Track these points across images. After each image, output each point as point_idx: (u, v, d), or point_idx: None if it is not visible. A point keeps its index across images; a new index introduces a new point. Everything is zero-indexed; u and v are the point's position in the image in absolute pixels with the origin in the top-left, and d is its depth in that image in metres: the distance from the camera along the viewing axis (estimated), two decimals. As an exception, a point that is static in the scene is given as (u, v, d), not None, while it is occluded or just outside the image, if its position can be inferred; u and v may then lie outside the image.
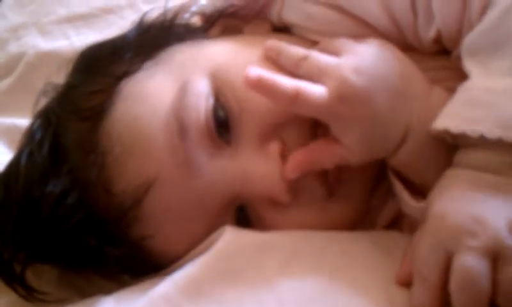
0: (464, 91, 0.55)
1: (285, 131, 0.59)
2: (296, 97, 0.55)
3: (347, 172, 0.60)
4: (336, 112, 0.56)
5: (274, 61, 0.60)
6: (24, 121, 0.78)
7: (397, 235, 0.62)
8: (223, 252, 0.56)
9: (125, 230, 0.59)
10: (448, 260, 0.49)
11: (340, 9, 0.64)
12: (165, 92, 0.60)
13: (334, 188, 0.60)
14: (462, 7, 0.57)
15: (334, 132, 0.57)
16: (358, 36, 0.61)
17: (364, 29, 0.63)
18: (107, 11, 0.92)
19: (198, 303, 0.54)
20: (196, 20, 0.71)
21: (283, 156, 0.58)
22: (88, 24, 0.91)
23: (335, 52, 0.59)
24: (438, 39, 0.60)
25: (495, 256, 0.48)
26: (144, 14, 0.70)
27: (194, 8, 0.71)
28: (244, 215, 0.60)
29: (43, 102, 0.68)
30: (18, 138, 0.67)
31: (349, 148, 0.57)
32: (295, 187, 0.59)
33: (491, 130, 0.51)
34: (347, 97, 0.55)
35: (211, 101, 0.59)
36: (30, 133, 0.64)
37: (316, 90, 0.56)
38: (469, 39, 0.56)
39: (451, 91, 0.58)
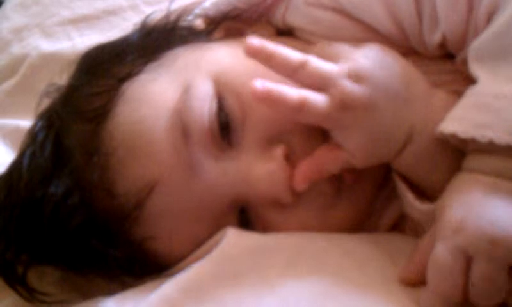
0: (472, 96, 0.54)
1: (289, 135, 0.59)
2: (301, 107, 0.55)
3: (352, 174, 0.59)
4: (337, 120, 0.56)
5: (266, 61, 0.58)
6: (26, 123, 0.78)
7: (400, 237, 0.62)
8: (225, 254, 0.57)
9: (127, 232, 0.59)
10: (467, 266, 0.49)
11: (345, 13, 0.64)
12: (168, 95, 0.60)
13: (343, 188, 0.60)
14: (468, 12, 0.57)
15: (336, 139, 0.57)
16: (361, 40, 0.61)
17: (368, 33, 0.63)
18: (110, 13, 0.92)
19: (199, 304, 0.54)
20: (199, 23, 0.71)
21: (288, 158, 0.59)
22: (90, 26, 0.91)
23: (332, 58, 0.58)
24: (442, 44, 0.60)
25: None
26: (147, 16, 0.71)
27: (197, 10, 0.71)
28: (246, 217, 0.60)
29: (46, 103, 0.68)
30: (20, 139, 0.67)
31: (351, 153, 0.57)
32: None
33: (500, 136, 0.51)
34: (348, 105, 0.55)
35: (215, 105, 0.59)
36: (32, 135, 0.64)
37: (319, 99, 0.56)
38: (476, 44, 0.55)
39: (456, 94, 0.57)
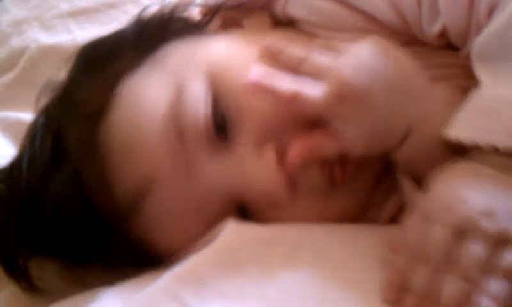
0: (475, 100, 0.54)
1: (286, 134, 0.59)
2: (295, 98, 0.55)
3: (352, 164, 0.60)
4: (335, 112, 0.56)
5: (274, 60, 0.60)
6: (27, 115, 0.78)
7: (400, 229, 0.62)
8: (225, 244, 0.56)
9: (126, 229, 0.60)
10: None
11: (345, 3, 0.63)
12: (162, 94, 0.60)
13: (337, 179, 0.60)
14: (469, 4, 0.57)
15: (335, 127, 0.57)
16: (362, 30, 0.61)
17: (369, 23, 0.63)
18: (110, 5, 0.92)
19: (198, 294, 0.54)
20: (196, 13, 0.70)
21: (281, 157, 0.58)
22: (90, 19, 0.91)
23: (333, 52, 0.58)
24: (443, 34, 0.60)
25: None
26: (144, 9, 0.70)
27: (197, 0, 0.71)
28: (245, 215, 0.60)
29: (46, 97, 0.68)
30: (21, 132, 0.67)
31: (350, 140, 0.57)
32: (294, 183, 0.59)
33: (501, 141, 0.51)
34: (345, 96, 0.55)
35: (210, 105, 0.59)
36: (32, 131, 0.65)
37: (315, 90, 0.56)
38: (478, 43, 0.55)
39: (459, 89, 0.58)
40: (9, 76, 0.91)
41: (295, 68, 0.58)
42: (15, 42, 0.92)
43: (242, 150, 0.59)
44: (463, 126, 0.54)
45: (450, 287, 0.48)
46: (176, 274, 0.55)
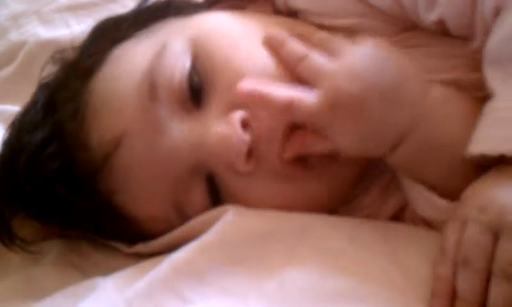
0: (492, 112, 0.55)
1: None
2: (289, 107, 0.55)
3: (319, 157, 0.59)
4: (327, 120, 0.56)
5: (275, 51, 0.60)
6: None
7: (404, 226, 0.62)
8: (225, 237, 0.56)
9: (95, 183, 0.61)
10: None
11: None
12: (145, 54, 0.61)
13: (296, 169, 0.59)
14: (471, 4, 0.57)
15: (326, 134, 0.57)
16: (362, 17, 0.62)
17: (369, 9, 0.63)
18: (109, 0, 0.92)
19: (197, 289, 0.54)
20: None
21: (246, 125, 0.57)
22: (89, 13, 0.91)
23: (329, 52, 0.58)
24: (440, 23, 0.60)
25: None
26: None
27: None
28: (214, 184, 0.60)
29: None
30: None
31: (341, 146, 0.57)
32: (255, 157, 0.58)
33: None
34: (338, 105, 0.55)
35: (188, 64, 0.59)
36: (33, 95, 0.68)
37: (308, 98, 0.55)
38: (489, 47, 0.56)
39: (458, 83, 0.59)
40: (7, 70, 0.91)
41: (293, 65, 0.58)
42: (14, 36, 0.92)
43: (210, 114, 0.59)
44: (486, 140, 0.54)
45: (495, 290, 0.49)
46: (175, 265, 0.55)
